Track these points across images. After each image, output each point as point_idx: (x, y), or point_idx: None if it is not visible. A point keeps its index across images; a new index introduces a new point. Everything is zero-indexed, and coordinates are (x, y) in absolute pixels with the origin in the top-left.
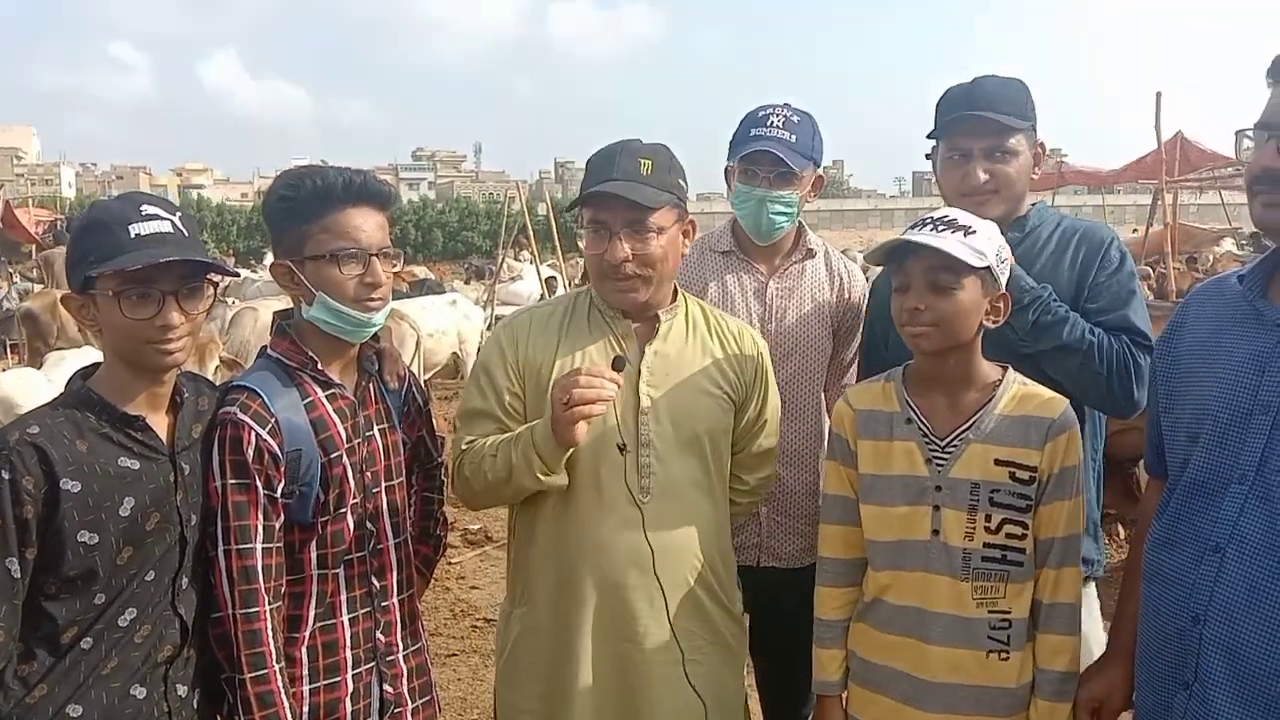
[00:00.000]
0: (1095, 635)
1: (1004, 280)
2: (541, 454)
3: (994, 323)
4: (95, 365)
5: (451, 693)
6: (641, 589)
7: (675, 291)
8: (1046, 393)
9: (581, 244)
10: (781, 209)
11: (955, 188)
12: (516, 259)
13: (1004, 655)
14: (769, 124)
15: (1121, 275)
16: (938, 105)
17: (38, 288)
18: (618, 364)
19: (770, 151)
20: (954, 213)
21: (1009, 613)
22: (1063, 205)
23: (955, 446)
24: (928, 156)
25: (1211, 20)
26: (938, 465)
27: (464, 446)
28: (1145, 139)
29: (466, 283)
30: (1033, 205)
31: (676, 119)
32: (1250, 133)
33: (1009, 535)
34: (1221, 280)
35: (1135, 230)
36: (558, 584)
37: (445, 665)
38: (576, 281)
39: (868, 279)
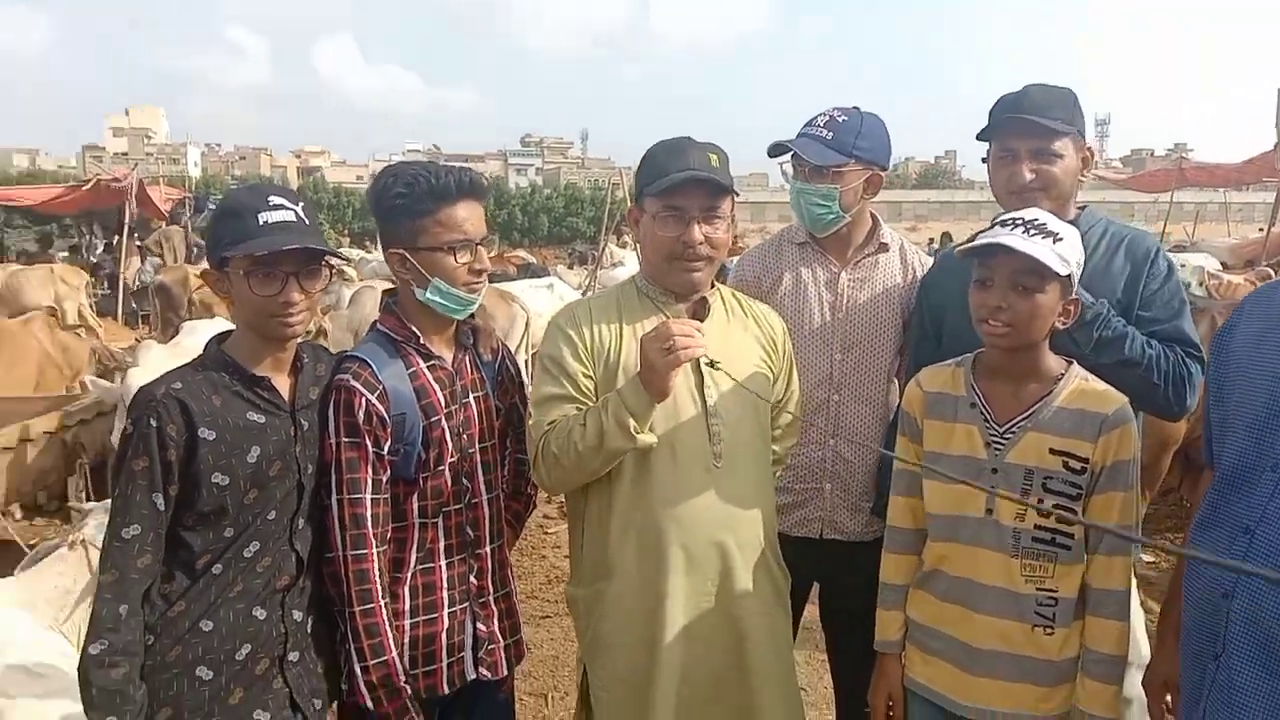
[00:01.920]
0: (1135, 611)
1: (1076, 283)
2: (634, 410)
3: (1064, 324)
4: (229, 332)
5: (544, 651)
6: (722, 548)
7: None
8: (1105, 388)
9: (629, 236)
10: (818, 200)
11: (1004, 186)
12: (619, 245)
13: (1049, 630)
14: (814, 124)
15: (1171, 284)
16: (990, 111)
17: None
18: (698, 314)
19: (806, 144)
20: (1043, 215)
21: (1056, 591)
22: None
23: (1013, 433)
24: (984, 160)
25: None
26: (996, 449)
27: (546, 427)
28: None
29: (570, 268)
30: (1080, 209)
31: (781, 106)
32: None
33: (1060, 520)
34: (1276, 284)
35: (1260, 229)
36: (639, 552)
37: (539, 626)
38: (585, 285)
39: None
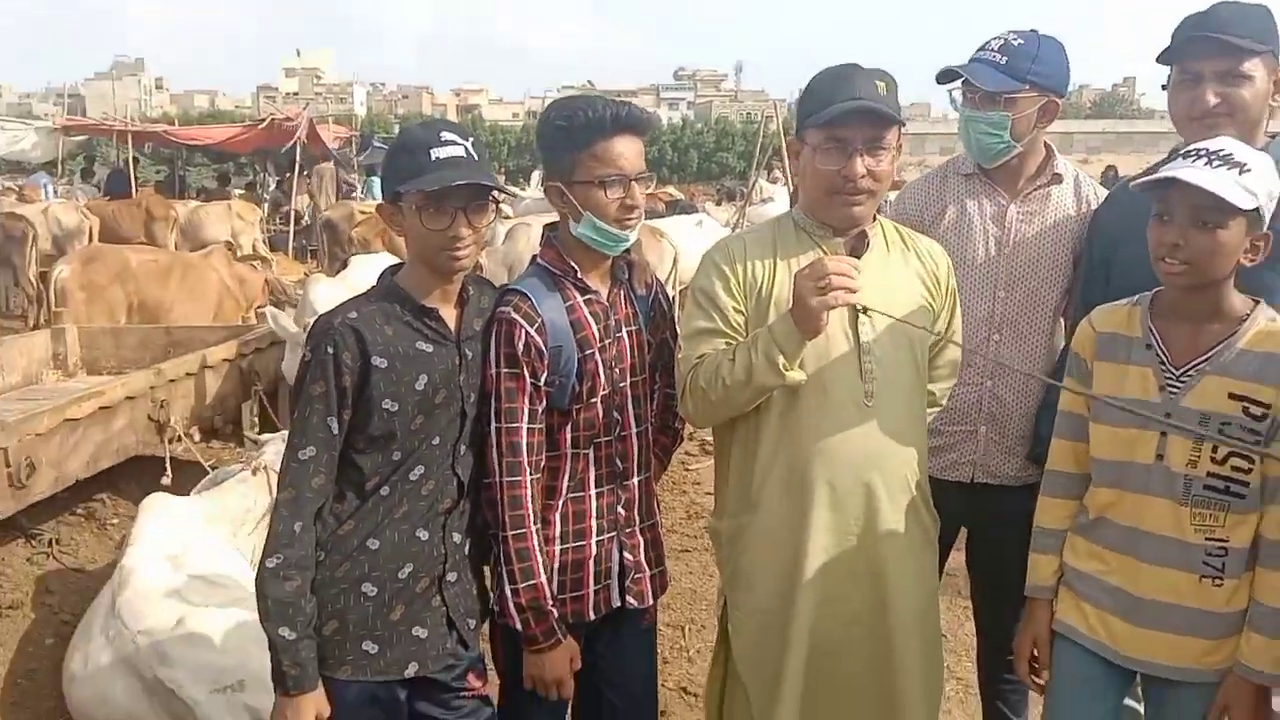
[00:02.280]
0: None
1: (1269, 217)
2: (784, 348)
3: (1251, 261)
4: (400, 264)
5: (683, 584)
6: (869, 488)
7: None
8: None
9: (780, 171)
10: (987, 129)
11: (1185, 111)
12: (769, 180)
13: (1218, 581)
14: (988, 48)
15: None
16: (1174, 32)
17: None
18: (857, 251)
19: (978, 70)
20: (1230, 144)
21: (1227, 540)
22: None
23: (1190, 376)
24: (1164, 86)
25: None
26: (1171, 393)
27: (695, 360)
28: None
29: (718, 204)
30: (1272, 138)
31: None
32: None
33: (1234, 468)
34: None
35: None
36: (785, 487)
37: (679, 560)
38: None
39: None
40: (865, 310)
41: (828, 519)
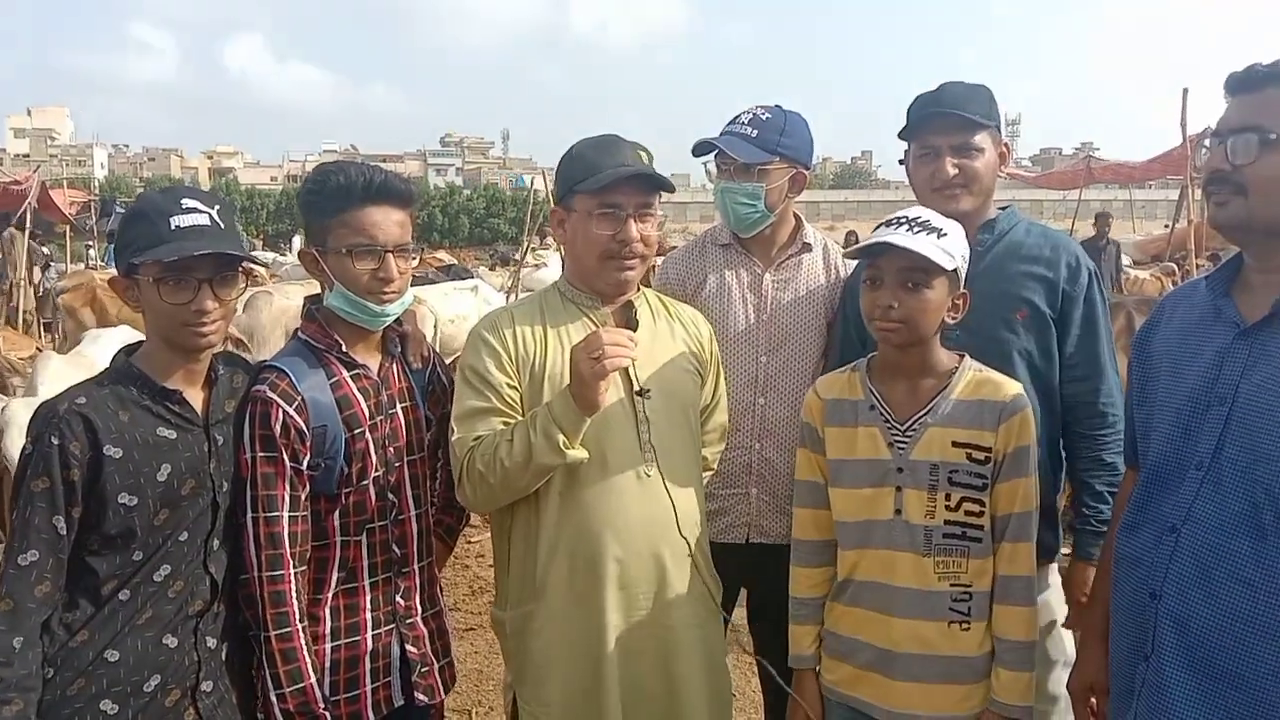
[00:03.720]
0: (1059, 608)
1: (963, 278)
2: (563, 425)
3: (954, 318)
4: (139, 343)
5: (469, 665)
6: (658, 559)
7: None
8: (1000, 378)
9: (553, 237)
10: (743, 199)
11: (926, 183)
12: (541, 246)
13: (965, 625)
14: (738, 121)
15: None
16: (908, 110)
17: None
18: (629, 322)
19: (732, 142)
20: (926, 213)
21: (970, 586)
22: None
23: (915, 430)
24: (901, 162)
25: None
26: (899, 448)
27: (471, 443)
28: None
29: (492, 269)
30: (1001, 209)
31: (703, 107)
32: (1207, 141)
33: (968, 513)
34: (1196, 282)
35: (1166, 226)
36: (571, 569)
37: (463, 639)
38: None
39: None
40: (643, 392)
41: (618, 597)
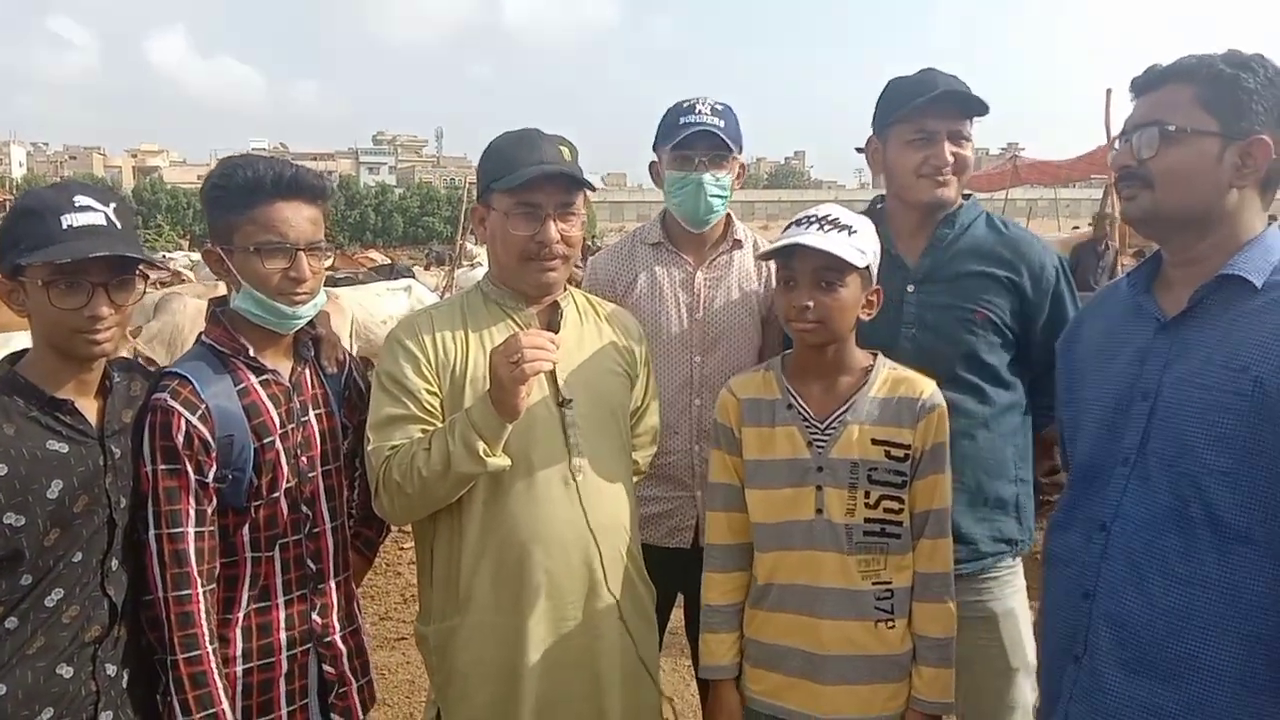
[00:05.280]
0: (1022, 613)
1: (875, 274)
2: (483, 432)
3: (868, 315)
4: (24, 350)
5: (400, 676)
6: (588, 567)
7: None
8: (915, 375)
9: (475, 235)
10: (718, 192)
11: (914, 169)
12: (476, 245)
13: (890, 624)
14: (698, 111)
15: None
16: (888, 95)
17: None
18: (552, 324)
19: (710, 132)
20: (835, 211)
21: (890, 583)
22: (1019, 199)
23: (834, 429)
24: (860, 149)
25: (1155, 21)
26: (818, 447)
27: (388, 453)
28: (1100, 134)
29: (427, 269)
30: (962, 202)
31: (633, 103)
32: (1118, 142)
33: (887, 510)
34: (1118, 282)
35: (1090, 224)
36: (497, 580)
37: (394, 649)
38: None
39: None
40: (566, 402)
41: (545, 608)
